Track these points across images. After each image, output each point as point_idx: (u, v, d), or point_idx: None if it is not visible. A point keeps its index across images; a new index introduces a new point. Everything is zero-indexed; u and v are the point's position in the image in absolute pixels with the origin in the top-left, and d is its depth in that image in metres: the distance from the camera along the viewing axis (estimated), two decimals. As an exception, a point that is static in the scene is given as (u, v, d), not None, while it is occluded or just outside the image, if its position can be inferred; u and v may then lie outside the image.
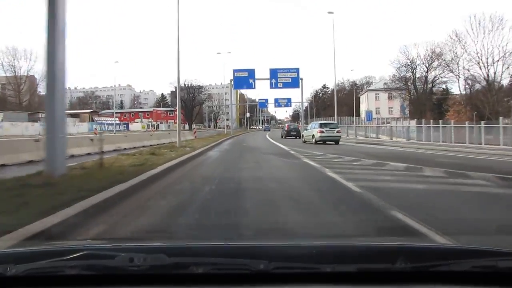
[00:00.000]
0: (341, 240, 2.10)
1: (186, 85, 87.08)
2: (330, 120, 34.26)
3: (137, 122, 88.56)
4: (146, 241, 2.16)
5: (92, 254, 1.44)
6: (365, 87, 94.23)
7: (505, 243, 2.19)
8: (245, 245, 1.69)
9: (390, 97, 67.76)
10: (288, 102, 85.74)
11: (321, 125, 25.58)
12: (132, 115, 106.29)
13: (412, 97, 56.96)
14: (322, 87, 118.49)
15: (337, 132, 25.02)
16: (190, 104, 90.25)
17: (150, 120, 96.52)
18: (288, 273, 1.39)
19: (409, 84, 56.04)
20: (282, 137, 35.97)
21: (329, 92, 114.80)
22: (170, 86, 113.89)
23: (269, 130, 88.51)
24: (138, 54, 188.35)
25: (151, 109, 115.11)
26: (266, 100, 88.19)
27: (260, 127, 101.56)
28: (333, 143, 23.84)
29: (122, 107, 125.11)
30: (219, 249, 1.56)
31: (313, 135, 24.73)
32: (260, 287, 1.35)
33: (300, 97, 44.52)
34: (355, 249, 1.57)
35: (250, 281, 1.36)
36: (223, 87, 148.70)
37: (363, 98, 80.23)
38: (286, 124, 47.83)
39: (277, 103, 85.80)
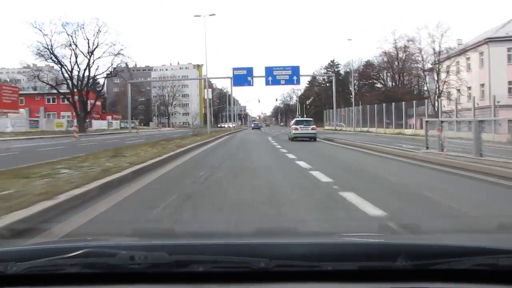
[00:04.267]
0: (342, 238, 1.97)
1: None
2: (306, 117, 35.61)
3: None
4: (147, 239, 2.04)
5: (93, 252, 1.42)
6: (400, 56, 57.78)
7: (506, 241, 2.01)
8: (246, 243, 1.65)
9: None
10: (293, 74, 46.63)
11: (296, 122, 25.43)
12: None
13: None
14: (330, 64, 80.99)
15: (312, 129, 24.13)
16: (81, 84, 42.92)
17: None
18: (289, 271, 1.39)
19: None
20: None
21: (341, 70, 77.85)
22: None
23: (258, 128, 60.61)
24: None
25: None
26: (249, 72, 48.53)
27: (231, 126, 61.15)
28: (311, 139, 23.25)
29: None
30: (220, 247, 1.55)
31: (290, 132, 25.29)
32: (260, 285, 1.36)
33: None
34: (356, 247, 1.57)
35: (251, 279, 1.37)
36: (180, 68, 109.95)
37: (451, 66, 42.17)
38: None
39: (272, 77, 46.57)
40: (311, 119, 28.58)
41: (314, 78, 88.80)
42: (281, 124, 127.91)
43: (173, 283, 1.37)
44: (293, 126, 24.64)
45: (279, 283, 1.36)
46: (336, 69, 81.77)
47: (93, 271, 1.38)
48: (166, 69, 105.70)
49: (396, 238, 2.36)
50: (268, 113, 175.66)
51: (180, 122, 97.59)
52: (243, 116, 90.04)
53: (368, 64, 79.89)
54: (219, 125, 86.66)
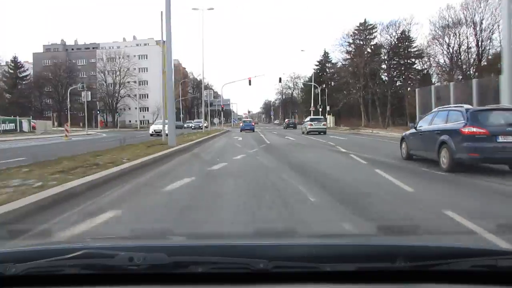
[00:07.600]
0: (341, 240, 2.01)
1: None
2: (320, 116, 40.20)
3: None
4: (146, 240, 2.08)
5: (92, 253, 1.42)
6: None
7: (505, 242, 1.98)
8: (245, 245, 1.65)
9: None
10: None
11: (311, 120, 33.53)
12: None
13: None
14: (358, 28, 53.97)
15: (323, 125, 32.37)
16: None
17: None
18: (288, 272, 1.39)
19: None
20: (284, 128, 50.55)
21: (374, 37, 51.12)
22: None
23: (253, 130, 39.09)
24: None
25: None
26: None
27: (193, 124, 47.82)
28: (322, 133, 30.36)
29: None
30: (219, 248, 1.55)
31: (305, 127, 32.67)
32: (259, 286, 1.36)
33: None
34: (354, 248, 1.57)
35: (249, 280, 1.37)
36: (138, 44, 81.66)
37: None
38: (286, 119, 60.95)
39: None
40: (321, 117, 36.74)
41: (326, 55, 61.39)
42: (276, 122, 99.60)
43: (172, 284, 1.37)
44: (308, 123, 32.53)
45: (277, 284, 1.35)
46: (369, 36, 54.49)
47: (92, 272, 1.37)
48: (118, 47, 76.97)
49: (395, 239, 2.37)
50: (255, 111, 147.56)
51: (135, 121, 69.24)
52: (222, 109, 61.24)
53: (404, 37, 52.00)
54: (186, 125, 58.32)
